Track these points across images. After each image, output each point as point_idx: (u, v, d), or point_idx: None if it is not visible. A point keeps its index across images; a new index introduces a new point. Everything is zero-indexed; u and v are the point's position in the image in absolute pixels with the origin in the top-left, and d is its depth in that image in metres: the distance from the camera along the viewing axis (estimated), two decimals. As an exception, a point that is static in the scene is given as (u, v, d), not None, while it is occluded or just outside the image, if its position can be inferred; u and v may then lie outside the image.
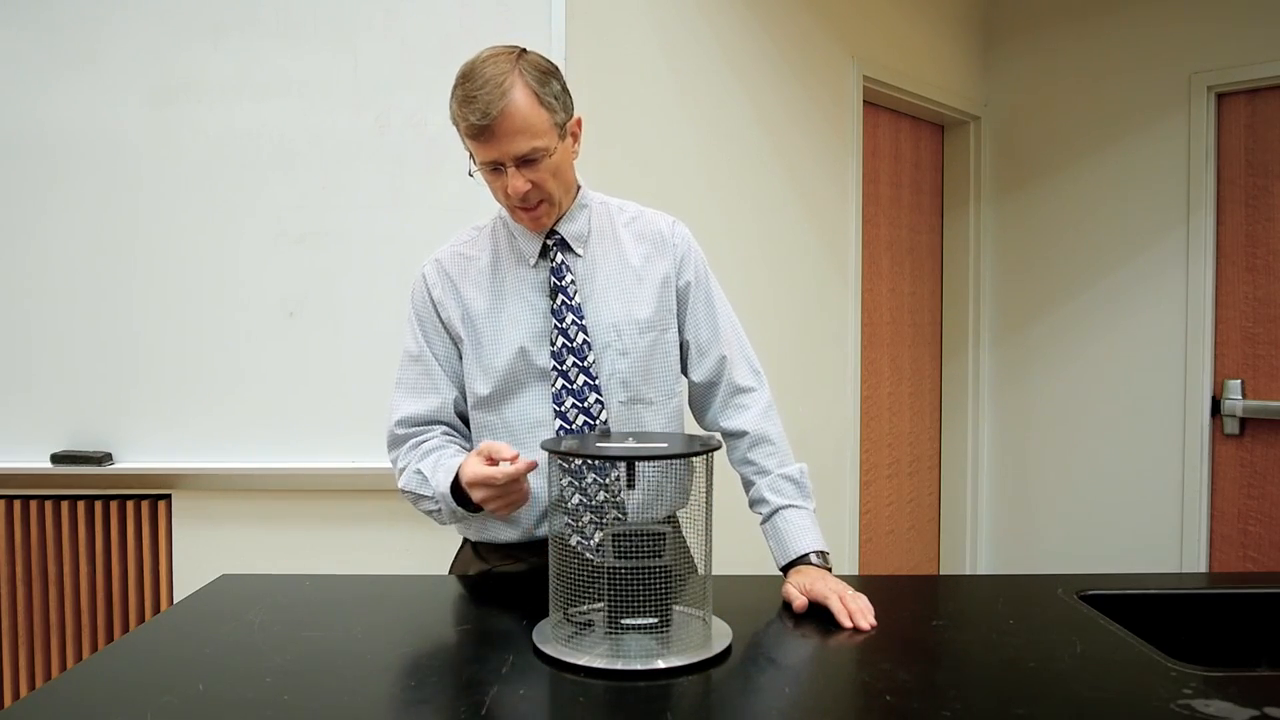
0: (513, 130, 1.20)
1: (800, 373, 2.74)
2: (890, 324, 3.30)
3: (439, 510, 1.31)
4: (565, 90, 1.28)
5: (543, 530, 1.35)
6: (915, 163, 3.41)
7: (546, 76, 1.25)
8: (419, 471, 1.32)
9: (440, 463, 1.31)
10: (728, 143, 2.49)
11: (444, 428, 1.39)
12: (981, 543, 3.56)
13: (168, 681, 0.97)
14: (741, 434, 1.41)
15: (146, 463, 2.02)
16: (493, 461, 1.19)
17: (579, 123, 1.33)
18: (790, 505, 1.34)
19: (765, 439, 1.40)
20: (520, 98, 1.20)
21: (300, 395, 2.02)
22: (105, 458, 2.02)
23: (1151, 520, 3.12)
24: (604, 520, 1.26)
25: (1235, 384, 2.97)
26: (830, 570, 1.28)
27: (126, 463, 2.03)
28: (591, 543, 1.25)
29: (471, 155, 1.29)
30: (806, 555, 1.28)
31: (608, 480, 1.25)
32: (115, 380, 2.02)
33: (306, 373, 2.02)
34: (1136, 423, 3.15)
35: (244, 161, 2.01)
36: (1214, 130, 3.01)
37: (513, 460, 1.18)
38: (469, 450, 1.38)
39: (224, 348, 2.02)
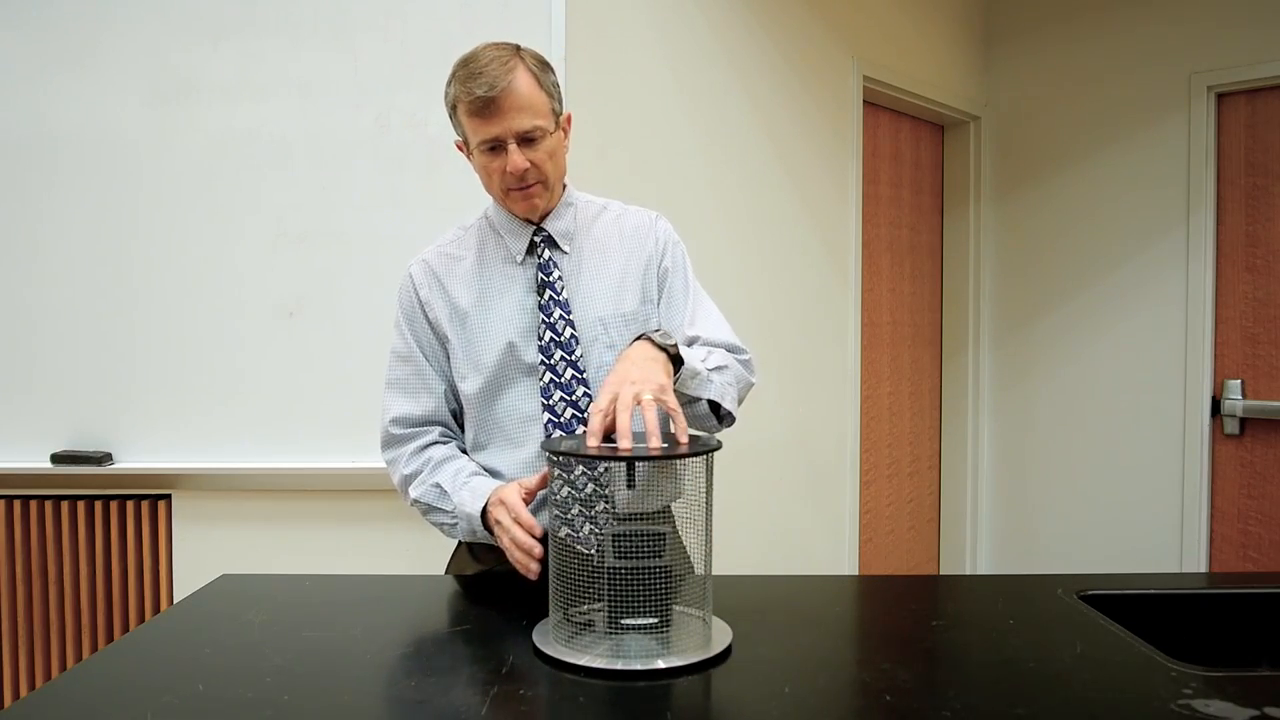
0: (516, 106, 1.25)
1: (800, 373, 2.74)
2: (890, 324, 3.30)
3: (454, 525, 1.32)
4: (557, 85, 1.34)
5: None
6: (915, 163, 3.41)
7: (544, 67, 1.31)
8: (437, 485, 1.33)
9: (460, 479, 1.31)
10: (728, 143, 2.49)
11: (441, 429, 1.40)
12: (981, 543, 3.56)
13: (168, 681, 0.97)
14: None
15: (146, 463, 2.02)
16: (529, 495, 1.22)
17: (569, 119, 1.36)
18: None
19: (714, 344, 1.36)
20: (523, 78, 1.26)
21: (300, 395, 2.02)
22: (105, 458, 2.01)
23: (1151, 520, 3.12)
24: (592, 512, 1.26)
25: (1235, 384, 2.97)
26: (668, 353, 1.18)
27: (126, 463, 2.02)
28: (580, 534, 1.25)
29: (464, 143, 1.32)
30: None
31: (596, 472, 1.25)
32: (115, 380, 2.02)
33: (306, 373, 2.02)
34: (1136, 423, 3.15)
35: (244, 161, 2.01)
36: (1214, 130, 3.01)
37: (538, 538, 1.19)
38: (465, 453, 1.40)
39: (224, 348, 2.02)
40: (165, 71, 2.01)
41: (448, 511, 1.31)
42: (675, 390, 1.20)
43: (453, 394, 1.40)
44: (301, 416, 2.02)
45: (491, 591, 1.32)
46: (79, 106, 2.01)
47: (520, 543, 1.19)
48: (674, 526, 1.35)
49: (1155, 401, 3.11)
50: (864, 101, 2.95)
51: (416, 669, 1.01)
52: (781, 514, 2.67)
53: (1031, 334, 3.42)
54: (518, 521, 1.20)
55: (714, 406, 1.29)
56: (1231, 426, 2.98)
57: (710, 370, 1.28)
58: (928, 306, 3.52)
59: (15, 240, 2.02)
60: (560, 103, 1.33)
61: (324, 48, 2.01)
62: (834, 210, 2.86)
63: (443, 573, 1.48)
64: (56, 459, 2.00)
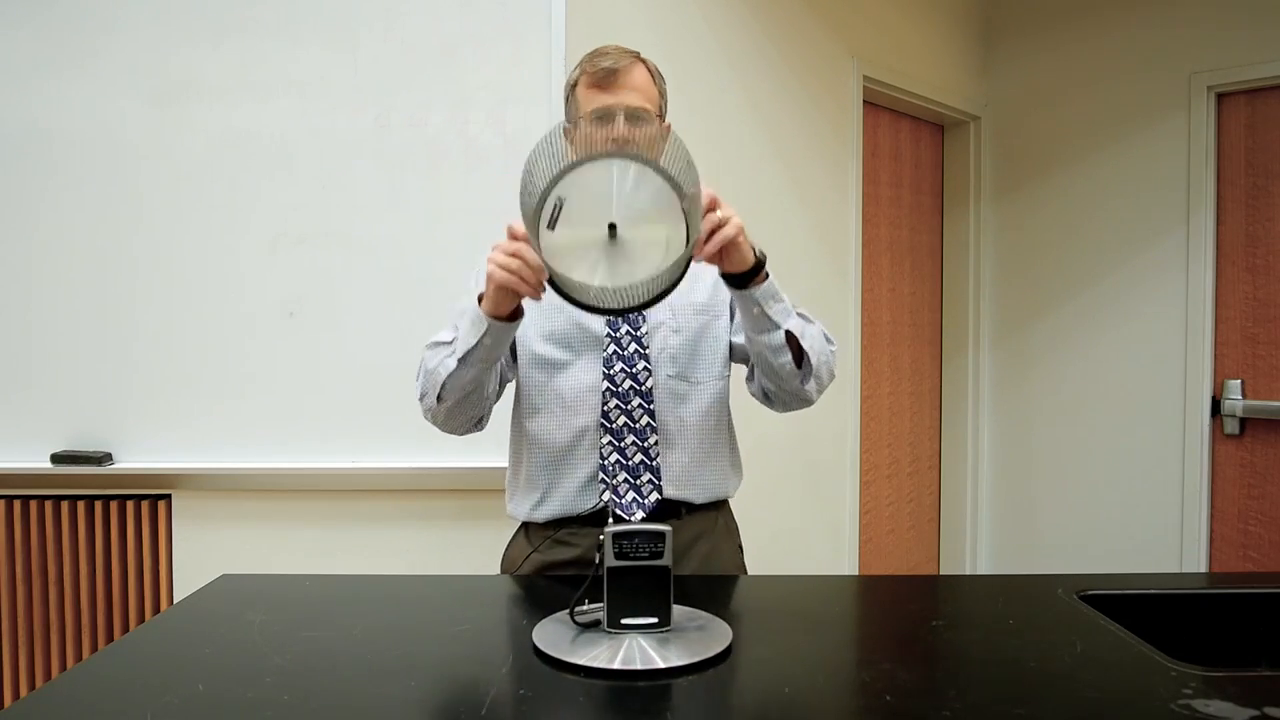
0: (632, 85, 1.38)
1: (800, 373, 2.74)
2: (890, 324, 3.29)
3: (453, 354, 1.30)
4: (666, 95, 1.46)
5: (587, 503, 1.37)
6: (915, 163, 3.41)
7: (659, 75, 1.45)
8: (454, 325, 1.34)
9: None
10: (728, 143, 2.49)
11: None
12: (981, 543, 3.56)
13: (168, 681, 0.97)
14: None
15: (146, 463, 2.02)
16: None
17: (669, 128, 1.39)
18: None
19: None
20: (642, 71, 1.41)
21: (300, 395, 2.02)
22: (105, 458, 2.01)
23: (1151, 520, 3.12)
24: (638, 482, 1.30)
25: (1235, 384, 2.97)
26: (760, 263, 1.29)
27: (126, 463, 2.02)
28: (623, 501, 1.30)
29: (568, 117, 1.40)
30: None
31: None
32: (115, 380, 2.02)
33: (306, 373, 2.02)
34: (1136, 423, 3.15)
35: (244, 161, 2.01)
36: (1214, 130, 3.01)
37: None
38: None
39: (224, 348, 2.02)
40: (165, 71, 2.00)
41: (449, 343, 1.31)
42: (754, 316, 1.30)
43: (510, 352, 1.42)
44: (301, 416, 2.02)
45: (492, 592, 1.32)
46: (79, 106, 2.01)
47: (510, 250, 1.17)
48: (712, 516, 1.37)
49: (1155, 401, 3.11)
50: (864, 101, 2.95)
51: (416, 669, 1.01)
52: (781, 514, 2.67)
53: (1031, 334, 3.42)
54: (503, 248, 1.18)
55: (795, 350, 1.32)
56: (1231, 426, 2.98)
57: (795, 308, 1.34)
58: (928, 306, 3.52)
59: (15, 240, 2.02)
60: (665, 112, 1.44)
61: (324, 48, 2.01)
62: (834, 210, 2.86)
63: (441, 572, 1.48)
64: (56, 459, 2.00)
